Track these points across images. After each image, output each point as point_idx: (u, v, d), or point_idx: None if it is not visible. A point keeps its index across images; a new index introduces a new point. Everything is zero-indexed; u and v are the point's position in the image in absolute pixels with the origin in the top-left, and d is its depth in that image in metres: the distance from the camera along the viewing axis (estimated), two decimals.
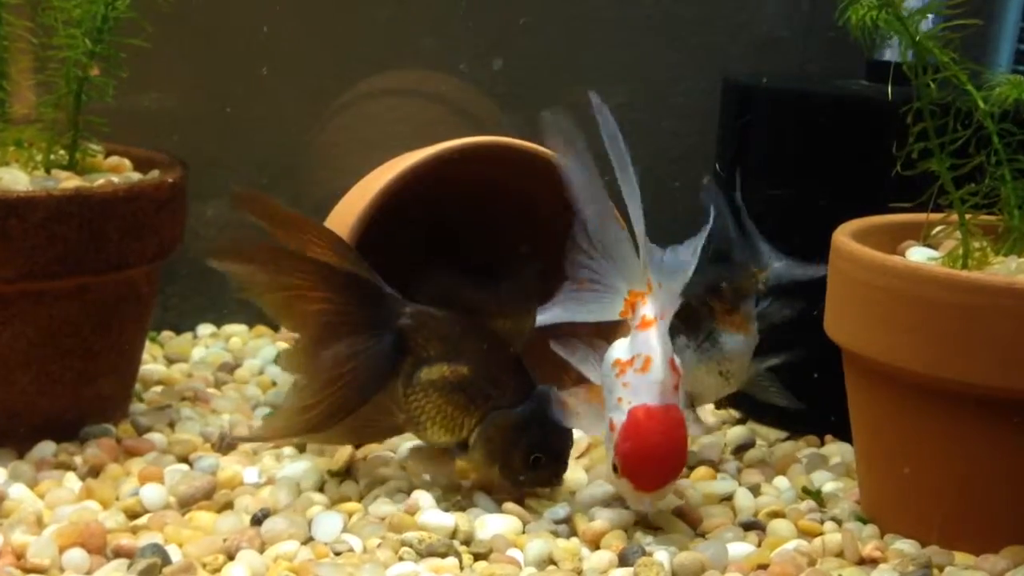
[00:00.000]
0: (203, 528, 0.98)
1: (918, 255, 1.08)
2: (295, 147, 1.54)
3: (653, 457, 0.96)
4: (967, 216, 1.06)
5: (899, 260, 0.99)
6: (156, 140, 1.39)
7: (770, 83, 1.34)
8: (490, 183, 1.27)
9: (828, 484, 1.14)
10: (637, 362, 0.98)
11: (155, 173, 1.21)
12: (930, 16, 1.15)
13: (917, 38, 1.01)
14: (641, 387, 0.97)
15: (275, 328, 1.54)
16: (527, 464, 1.04)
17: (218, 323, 1.54)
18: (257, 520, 0.99)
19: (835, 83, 1.35)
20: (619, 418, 0.98)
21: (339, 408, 1.03)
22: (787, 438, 1.28)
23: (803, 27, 1.62)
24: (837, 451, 1.23)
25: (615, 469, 0.98)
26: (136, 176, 1.23)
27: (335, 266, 1.03)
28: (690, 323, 1.13)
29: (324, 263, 1.04)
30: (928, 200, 1.07)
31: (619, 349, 1.01)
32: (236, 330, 1.53)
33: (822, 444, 1.27)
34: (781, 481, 1.15)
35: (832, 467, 1.19)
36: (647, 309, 1.00)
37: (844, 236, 1.05)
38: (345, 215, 1.18)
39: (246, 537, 0.95)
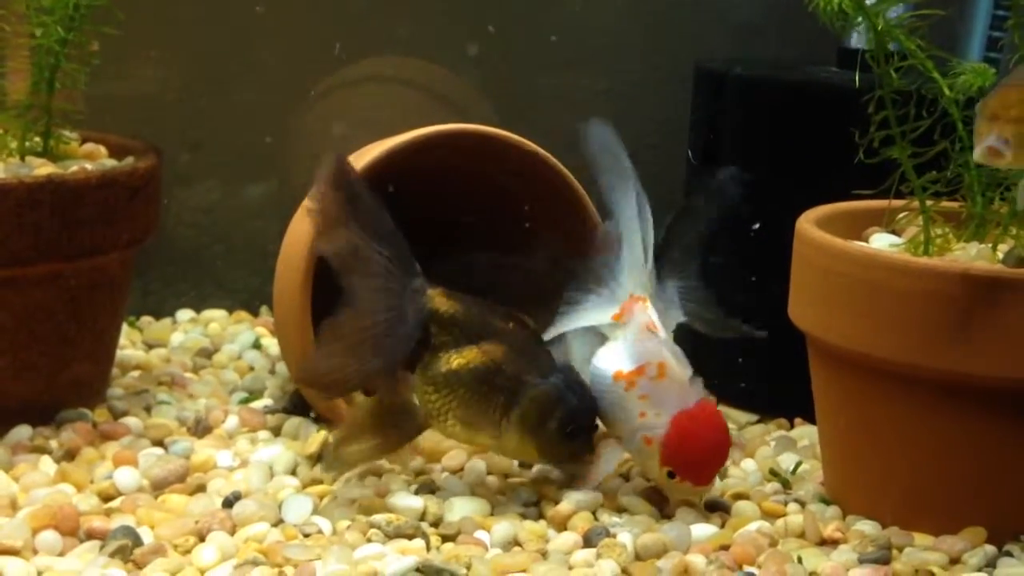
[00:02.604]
0: (175, 510, 1.00)
1: (881, 241, 1.10)
2: (279, 131, 1.55)
3: (710, 454, 1.00)
4: (929, 203, 1.07)
5: (857, 246, 1.01)
6: (139, 125, 1.40)
7: (741, 70, 1.35)
8: (458, 171, 1.27)
9: (795, 466, 1.16)
10: (649, 371, 1.00)
11: (130, 160, 1.22)
12: (901, 4, 1.16)
13: (879, 26, 1.02)
14: (666, 395, 1.00)
15: (254, 313, 1.55)
16: (563, 437, 1.02)
17: (198, 308, 1.55)
18: (228, 503, 1.00)
19: (805, 70, 1.37)
20: (655, 432, 1.00)
21: (356, 373, 1.00)
22: (757, 421, 1.30)
23: (782, 13, 1.63)
24: (806, 433, 1.25)
25: (671, 476, 1.00)
26: (111, 163, 1.23)
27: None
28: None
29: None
30: (892, 187, 1.09)
31: (613, 360, 1.02)
32: (215, 315, 1.54)
33: (792, 427, 1.29)
34: (749, 463, 1.17)
35: (800, 449, 1.21)
36: (649, 314, 1.01)
37: (807, 223, 1.06)
38: None
39: (217, 519, 0.97)
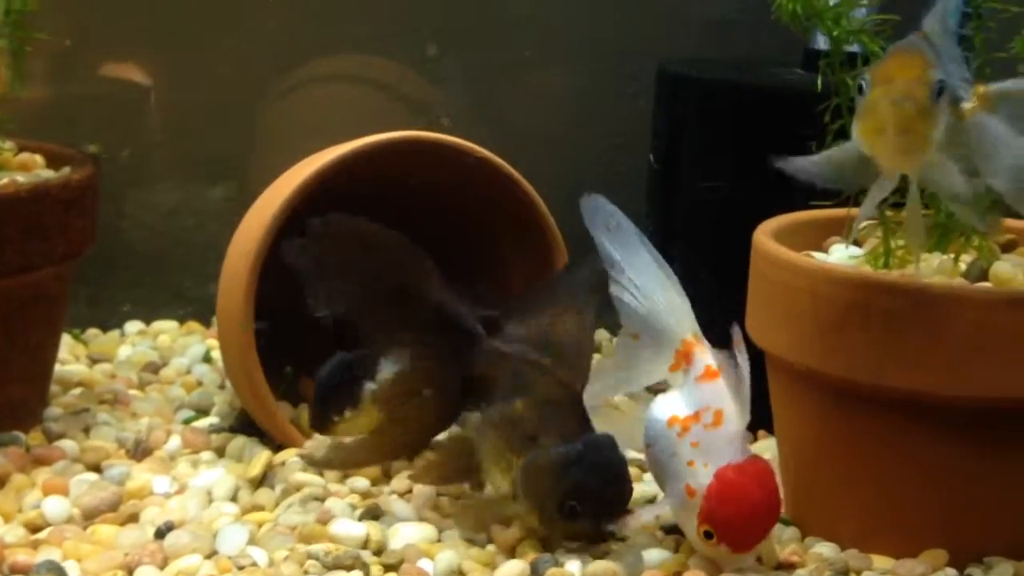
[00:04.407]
0: (104, 542, 0.96)
1: (842, 253, 1.06)
2: (239, 132, 1.51)
3: (755, 517, 0.90)
4: (889, 213, 1.04)
5: (810, 260, 0.97)
6: (96, 129, 1.36)
7: (700, 73, 1.31)
8: (410, 178, 1.24)
9: None
10: (705, 417, 0.91)
11: (65, 170, 1.17)
12: (865, 6, 1.13)
13: (834, 32, 0.98)
14: (717, 444, 0.90)
15: (207, 324, 1.51)
16: (562, 512, 0.94)
17: (148, 320, 1.51)
18: (160, 533, 0.96)
19: (768, 72, 1.33)
20: (698, 482, 0.90)
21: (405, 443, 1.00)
22: None
23: (755, 10, 1.60)
24: (769, 447, 1.21)
25: (708, 536, 0.90)
26: (47, 173, 1.19)
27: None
28: None
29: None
30: (854, 195, 1.05)
31: (670, 405, 0.94)
32: (166, 327, 1.49)
33: (755, 439, 1.26)
34: None
35: None
36: (708, 358, 0.92)
37: (763, 235, 1.02)
38: (257, 219, 1.14)
39: (147, 552, 0.93)
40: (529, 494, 0.95)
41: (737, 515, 0.89)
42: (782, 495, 1.06)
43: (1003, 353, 0.89)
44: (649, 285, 0.94)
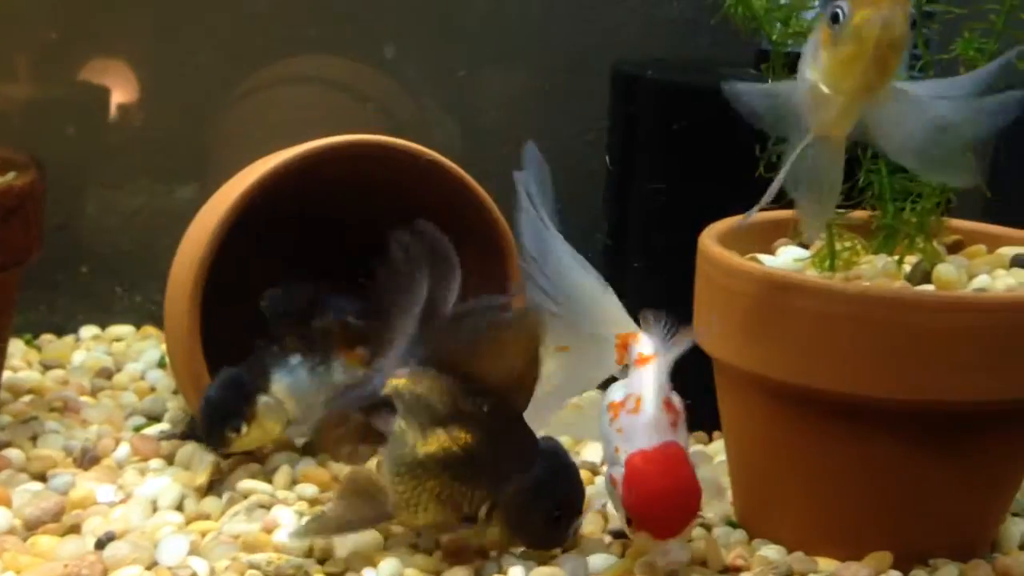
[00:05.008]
0: (44, 554, 0.95)
1: (789, 255, 1.06)
2: (198, 134, 1.50)
3: (665, 501, 0.88)
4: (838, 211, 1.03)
5: (752, 265, 0.97)
6: (54, 130, 1.35)
7: (654, 73, 1.30)
8: (365, 181, 1.23)
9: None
10: (629, 403, 0.91)
11: (9, 176, 1.16)
12: (814, 8, 1.12)
13: (773, 36, 0.98)
14: (636, 431, 0.90)
15: (163, 327, 1.50)
16: (549, 526, 0.94)
17: (104, 324, 1.50)
18: (101, 544, 0.95)
19: (720, 72, 1.32)
20: (619, 471, 0.90)
21: None
22: None
23: (714, 9, 1.59)
24: (723, 448, 1.21)
25: (629, 524, 0.90)
26: None
27: None
28: (310, 343, 1.10)
29: None
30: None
31: (615, 391, 0.94)
32: (122, 332, 1.48)
33: (710, 440, 1.26)
34: None
35: (716, 465, 1.17)
36: (643, 346, 0.92)
37: (708, 238, 1.02)
38: (202, 226, 1.13)
39: (87, 563, 0.92)
40: (517, 521, 0.94)
41: (647, 500, 0.88)
42: (730, 497, 1.07)
43: (933, 357, 0.89)
44: (573, 291, 0.94)
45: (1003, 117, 0.89)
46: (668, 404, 0.91)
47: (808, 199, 0.92)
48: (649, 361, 0.92)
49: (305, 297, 1.11)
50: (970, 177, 0.90)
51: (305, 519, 0.99)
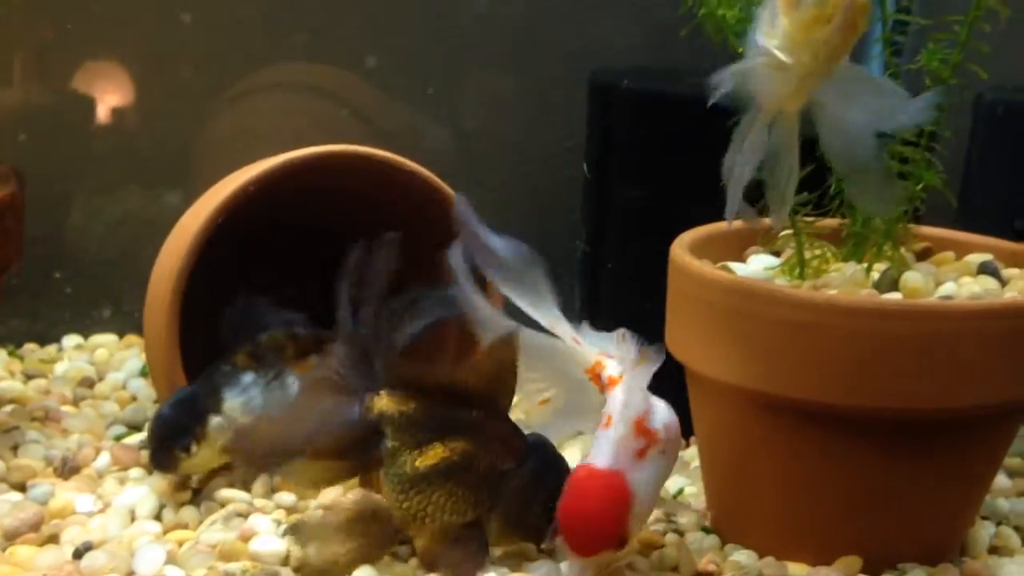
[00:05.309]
0: (22, 564, 0.95)
1: (759, 263, 1.07)
2: (182, 144, 1.50)
3: (585, 519, 0.88)
4: (809, 219, 1.05)
5: (722, 274, 0.98)
6: (37, 139, 1.35)
7: (630, 82, 1.32)
8: (347, 190, 1.24)
9: (685, 488, 1.14)
10: (602, 418, 0.91)
11: None
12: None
13: (739, 49, 0.99)
14: (598, 444, 0.90)
15: None
16: (545, 518, 0.94)
17: (88, 334, 1.51)
18: (78, 554, 0.96)
19: (695, 81, 1.33)
20: None
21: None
22: None
23: (690, 19, 1.61)
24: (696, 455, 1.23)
25: (555, 527, 0.90)
26: None
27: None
28: (263, 360, 1.09)
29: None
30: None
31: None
32: (104, 341, 1.49)
33: (687, 445, 1.27)
34: None
35: (692, 471, 1.18)
36: (610, 369, 0.92)
37: (679, 247, 1.03)
38: (180, 238, 1.14)
39: (64, 573, 0.93)
40: (514, 516, 0.96)
41: (571, 513, 0.88)
42: (704, 504, 1.08)
43: (900, 364, 0.90)
44: (531, 353, 0.93)
45: (926, 115, 0.88)
46: (641, 428, 0.90)
47: (768, 185, 0.90)
48: (618, 382, 0.91)
49: (252, 313, 1.10)
50: (892, 208, 0.89)
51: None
